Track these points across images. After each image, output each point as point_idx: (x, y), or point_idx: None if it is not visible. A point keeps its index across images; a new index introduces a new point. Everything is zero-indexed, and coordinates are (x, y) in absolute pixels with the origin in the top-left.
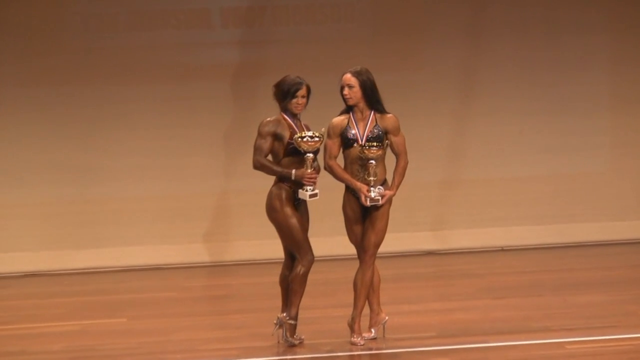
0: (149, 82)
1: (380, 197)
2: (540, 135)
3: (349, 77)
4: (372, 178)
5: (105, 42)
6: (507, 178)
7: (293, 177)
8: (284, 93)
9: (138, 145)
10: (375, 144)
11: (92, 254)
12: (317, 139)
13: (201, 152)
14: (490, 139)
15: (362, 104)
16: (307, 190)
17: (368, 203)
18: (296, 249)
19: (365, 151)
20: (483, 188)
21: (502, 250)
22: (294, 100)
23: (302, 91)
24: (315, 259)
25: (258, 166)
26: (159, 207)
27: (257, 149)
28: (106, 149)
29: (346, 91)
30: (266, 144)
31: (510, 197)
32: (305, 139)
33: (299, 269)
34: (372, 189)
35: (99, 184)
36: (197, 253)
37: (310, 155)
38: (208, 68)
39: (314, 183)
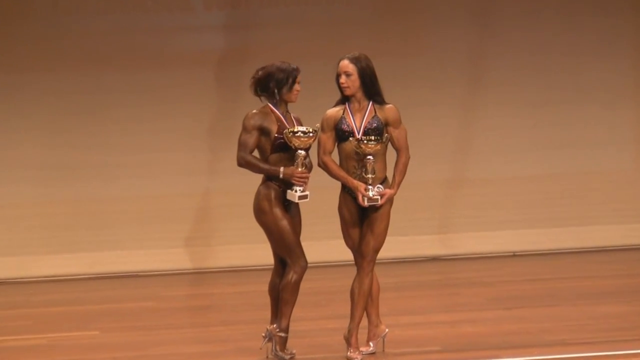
0: (122, 71)
1: (379, 197)
2: (556, 129)
3: (346, 64)
4: (370, 175)
5: (75, 26)
6: (519, 176)
7: (281, 176)
8: (282, 82)
9: (111, 140)
10: (373, 137)
11: (61, 260)
12: (310, 134)
13: (181, 147)
14: (500, 132)
15: (359, 94)
16: (296, 191)
17: (366, 203)
18: (287, 255)
19: (363, 146)
20: (492, 187)
21: (514, 255)
22: (295, 88)
23: (299, 76)
24: (309, 265)
25: (242, 163)
26: (135, 209)
27: (241, 145)
28: (76, 144)
29: (343, 79)
30: (251, 138)
31: (522, 197)
32: (297, 134)
33: (291, 276)
34: (370, 187)
35: (68, 182)
36: (177, 259)
37: (302, 152)
38: (189, 54)
39: (305, 183)
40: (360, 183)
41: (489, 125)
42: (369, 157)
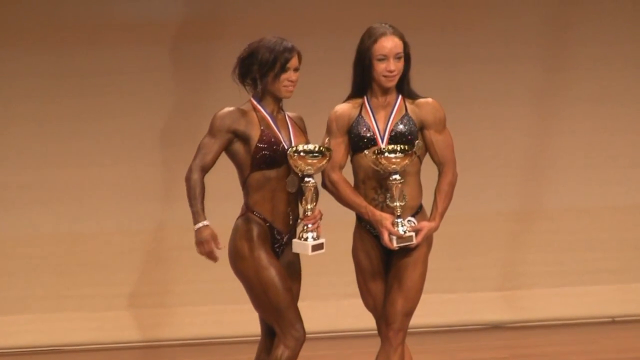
0: (35, 48)
1: (413, 234)
2: None
3: (396, 42)
4: (397, 203)
5: None
6: (620, 205)
7: (196, 239)
8: (266, 65)
9: (18, 150)
10: (399, 147)
11: None
12: (317, 155)
13: (122, 160)
14: (593, 141)
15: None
16: (306, 239)
17: (395, 244)
18: (274, 320)
19: (383, 160)
20: (581, 221)
21: (613, 321)
22: (284, 77)
23: (295, 61)
24: (311, 336)
25: (186, 177)
26: (51, 252)
27: (198, 150)
28: None
29: (392, 65)
30: (214, 145)
31: (626, 236)
32: (302, 154)
33: (280, 352)
34: (399, 221)
35: None
36: (116, 326)
37: (312, 180)
38: (137, 27)
39: (314, 223)
40: (385, 215)
41: (575, 130)
42: (394, 175)
